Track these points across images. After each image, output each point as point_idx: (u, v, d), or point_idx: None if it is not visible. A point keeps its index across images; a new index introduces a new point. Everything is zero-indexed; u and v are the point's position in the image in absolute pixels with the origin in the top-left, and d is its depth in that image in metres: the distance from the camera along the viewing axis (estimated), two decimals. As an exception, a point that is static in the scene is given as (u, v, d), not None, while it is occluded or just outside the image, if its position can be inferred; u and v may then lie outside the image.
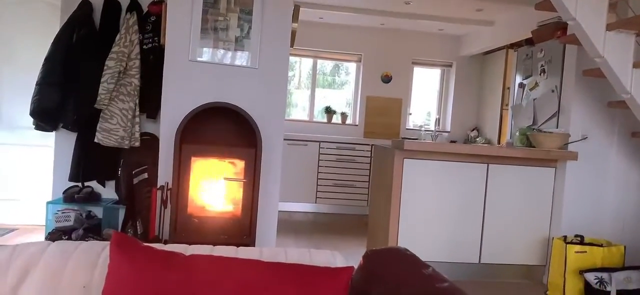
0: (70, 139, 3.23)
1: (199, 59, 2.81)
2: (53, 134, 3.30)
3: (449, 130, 6.28)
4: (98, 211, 3.21)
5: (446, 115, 6.38)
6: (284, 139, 3.14)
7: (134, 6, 3.13)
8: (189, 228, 2.60)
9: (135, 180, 3.12)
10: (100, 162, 3.21)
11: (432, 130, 5.89)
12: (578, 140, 3.35)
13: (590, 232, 3.27)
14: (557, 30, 3.61)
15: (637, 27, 2.71)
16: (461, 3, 4.80)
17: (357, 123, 6.13)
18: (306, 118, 6.20)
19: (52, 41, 3.09)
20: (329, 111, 6.10)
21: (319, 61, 6.26)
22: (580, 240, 3.14)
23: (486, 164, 3.38)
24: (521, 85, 4.17)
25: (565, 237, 3.20)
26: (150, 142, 3.17)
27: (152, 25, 3.14)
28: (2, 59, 3.86)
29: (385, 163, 3.46)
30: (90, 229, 3.08)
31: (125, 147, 3.07)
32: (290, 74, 6.18)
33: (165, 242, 2.60)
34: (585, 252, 3.05)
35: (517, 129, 3.87)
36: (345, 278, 1.04)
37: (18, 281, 1.08)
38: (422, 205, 3.31)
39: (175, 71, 2.80)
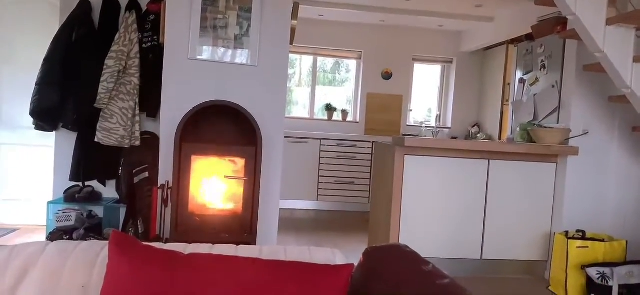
0: (70, 138, 3.23)
1: (198, 57, 2.80)
2: (53, 133, 3.30)
3: (449, 126, 6.27)
4: (99, 211, 3.22)
5: (447, 111, 6.37)
6: (285, 137, 3.14)
7: (133, 5, 3.13)
8: (190, 227, 2.61)
9: (136, 180, 3.13)
10: (101, 162, 3.21)
11: (433, 127, 5.88)
12: (579, 136, 3.34)
13: (591, 227, 3.26)
14: (557, 26, 3.59)
15: (637, 21, 2.70)
16: (461, -1, 4.79)
17: (357, 120, 6.12)
18: (307, 115, 6.19)
19: (51, 41, 3.09)
20: (329, 108, 6.09)
21: (319, 58, 6.24)
22: (582, 236, 3.13)
23: (487, 160, 3.37)
24: (521, 81, 4.16)
25: (566, 232, 3.20)
26: (151, 141, 3.17)
27: (151, 24, 3.13)
28: (2, 59, 3.86)
29: (386, 160, 3.46)
30: (92, 229, 3.08)
31: (126, 146, 3.07)
32: (290, 71, 6.17)
33: (167, 241, 2.60)
34: (587, 247, 3.04)
35: (518, 124, 3.86)
36: (345, 276, 1.04)
37: (16, 281, 1.08)
38: (423, 202, 3.30)
39: (175, 70, 2.80)
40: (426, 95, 6.50)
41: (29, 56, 3.59)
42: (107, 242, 1.07)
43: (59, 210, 3.10)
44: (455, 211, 3.35)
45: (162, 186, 2.68)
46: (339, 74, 6.47)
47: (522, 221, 3.43)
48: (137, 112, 3.10)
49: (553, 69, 3.65)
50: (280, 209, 3.06)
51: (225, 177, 2.71)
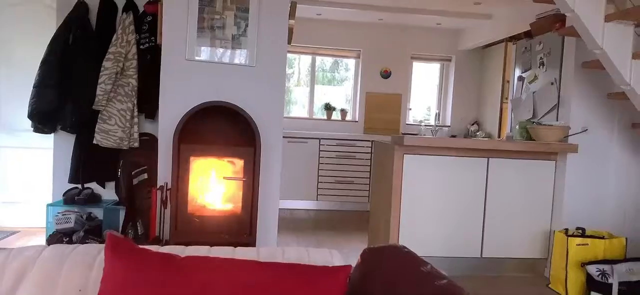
0: (69, 140, 3.22)
1: (196, 58, 2.80)
2: (52, 135, 3.30)
3: (449, 124, 6.27)
4: (98, 212, 3.21)
5: (446, 109, 6.37)
6: (284, 137, 3.13)
7: (130, 6, 3.12)
8: (189, 228, 2.60)
9: (135, 181, 3.12)
10: (100, 164, 3.20)
11: (432, 125, 5.88)
12: (578, 133, 3.34)
13: (591, 225, 3.26)
14: (555, 23, 3.59)
15: (635, 17, 2.69)
16: (459, -3, 4.78)
17: (357, 119, 6.11)
18: (306, 115, 6.19)
19: (48, 43, 3.08)
20: (328, 108, 6.08)
21: (318, 58, 6.24)
22: (582, 233, 3.13)
23: (486, 158, 3.37)
24: (520, 79, 4.15)
25: (566, 229, 3.20)
26: (149, 142, 3.17)
27: (148, 25, 3.13)
28: (0, 62, 3.85)
29: (385, 159, 3.45)
30: (91, 231, 3.08)
31: (124, 147, 3.06)
32: (289, 71, 6.16)
33: (166, 243, 2.60)
34: (587, 244, 3.04)
35: (517, 122, 3.86)
36: (343, 277, 1.04)
37: (13, 285, 1.07)
38: (423, 201, 3.30)
39: (173, 71, 2.79)
40: (425, 94, 6.49)
41: (27, 58, 3.58)
42: (104, 245, 1.07)
43: (59, 213, 3.10)
44: (455, 209, 3.35)
45: (161, 187, 2.68)
46: (338, 73, 6.47)
47: (522, 219, 3.42)
48: (136, 113, 3.09)
49: (552, 66, 3.65)
50: (280, 209, 3.05)
51: (224, 177, 2.71)
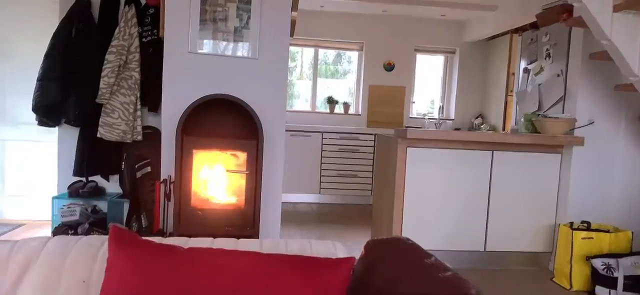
0: (73, 133, 3.23)
1: (198, 50, 2.79)
2: (56, 129, 3.31)
3: (453, 117, 6.23)
4: (103, 205, 3.23)
5: (450, 102, 6.33)
6: (287, 130, 3.12)
7: (133, -1, 3.11)
8: (193, 221, 2.61)
9: (139, 174, 3.13)
10: (104, 157, 3.21)
11: (435, 119, 5.85)
12: (584, 125, 3.31)
13: (597, 218, 3.24)
14: (562, 13, 3.54)
15: (644, 8, 2.65)
16: (464, -12, 4.73)
17: (360, 112, 6.09)
18: (309, 108, 6.17)
19: (51, 36, 3.08)
20: (331, 101, 6.06)
21: (321, 51, 6.21)
22: (587, 227, 3.11)
23: (491, 151, 3.35)
24: (526, 71, 4.11)
25: (571, 223, 3.18)
26: (153, 135, 3.17)
27: (151, 18, 3.12)
28: (3, 56, 3.86)
29: (388, 152, 3.44)
30: (96, 223, 3.10)
31: (128, 141, 3.07)
32: (291, 64, 6.14)
33: (171, 235, 2.61)
34: (592, 238, 3.02)
35: (522, 115, 3.83)
36: (347, 269, 1.03)
37: (18, 276, 1.08)
38: (426, 194, 3.29)
39: (175, 64, 2.78)
40: (429, 87, 6.46)
41: (30, 52, 3.58)
42: (108, 236, 1.07)
43: (64, 205, 3.11)
44: (458, 203, 3.34)
45: (165, 181, 2.68)
46: (341, 66, 6.44)
47: (526, 212, 3.40)
48: (139, 106, 3.10)
49: (558, 58, 3.61)
50: (283, 202, 3.05)
51: (227, 170, 2.71)
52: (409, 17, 5.93)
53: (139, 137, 3.10)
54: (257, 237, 2.62)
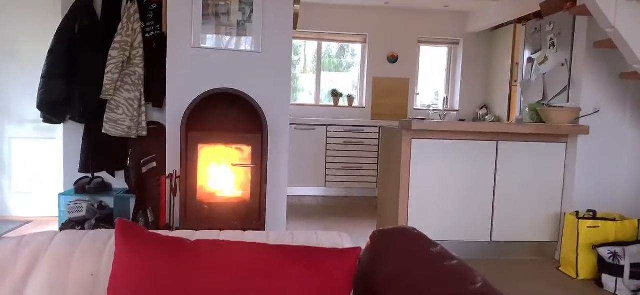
0: (78, 130, 3.25)
1: (202, 45, 2.79)
2: (61, 126, 3.32)
3: (457, 108, 6.21)
4: (109, 201, 3.25)
5: (454, 93, 6.30)
6: (291, 124, 3.13)
7: (135, -6, 3.11)
8: (199, 215, 2.62)
9: (144, 170, 3.15)
10: (109, 153, 3.23)
11: (440, 110, 5.83)
12: (590, 114, 3.29)
13: (602, 207, 3.22)
14: (566, 2, 3.50)
15: (650, -6, 2.63)
16: (467, -22, 4.69)
17: (364, 105, 6.08)
18: (313, 102, 6.17)
19: (54, 33, 3.09)
20: (335, 94, 6.05)
21: (324, 44, 6.19)
22: (593, 215, 3.10)
23: (496, 142, 3.33)
24: (530, 60, 4.09)
25: (577, 212, 3.17)
26: (158, 130, 3.18)
27: (153, 13, 3.12)
28: (8, 55, 3.88)
29: (393, 144, 3.43)
30: (103, 219, 3.12)
31: (133, 136, 3.08)
32: (295, 58, 6.13)
33: (177, 230, 2.62)
34: (598, 227, 3.01)
35: (527, 104, 3.81)
36: (353, 259, 1.03)
37: (27, 271, 1.09)
38: (431, 185, 3.28)
39: (179, 59, 2.79)
40: (433, 78, 6.43)
41: (33, 49, 3.60)
42: (114, 230, 1.08)
43: (70, 202, 3.14)
44: (463, 194, 3.33)
45: (170, 175, 2.69)
46: (344, 59, 6.42)
47: (532, 202, 3.40)
48: (143, 102, 3.10)
49: (562, 46, 3.58)
50: (288, 196, 3.06)
51: (232, 165, 2.71)
52: (412, 8, 5.90)
53: (144, 133, 3.11)
54: (263, 230, 2.63)
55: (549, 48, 3.77)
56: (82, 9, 3.11)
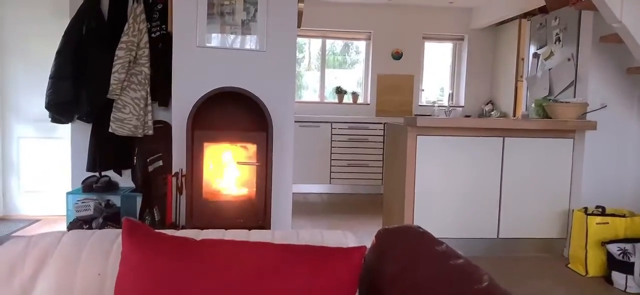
0: (85, 130, 3.28)
1: (207, 44, 2.80)
2: (69, 125, 3.35)
3: (462, 105, 6.18)
4: (116, 200, 3.27)
5: (459, 90, 6.27)
6: (296, 121, 3.13)
7: (140, -6, 3.12)
8: (205, 213, 2.63)
9: (151, 168, 3.17)
10: (116, 152, 3.26)
11: (445, 106, 5.80)
12: (597, 109, 3.26)
13: (611, 203, 3.20)
14: (573, -4, 3.48)
15: (658, -13, 2.60)
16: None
17: (368, 102, 6.07)
18: (317, 99, 6.17)
19: (62, 34, 3.12)
20: (340, 91, 6.05)
21: (328, 41, 6.19)
22: (602, 212, 3.08)
23: (502, 138, 3.32)
24: (536, 56, 4.05)
25: (585, 208, 3.15)
26: (164, 129, 3.20)
27: (159, 13, 3.14)
28: (17, 56, 3.92)
29: (398, 141, 3.43)
30: (110, 218, 3.14)
31: (139, 135, 3.10)
32: (299, 55, 6.13)
33: (183, 228, 2.64)
34: (607, 223, 2.99)
35: (533, 100, 3.78)
36: (358, 258, 1.03)
37: (35, 271, 1.10)
38: (437, 182, 3.27)
39: (184, 58, 2.80)
40: (438, 74, 6.40)
41: (42, 50, 3.63)
42: (121, 230, 1.09)
43: (78, 201, 3.16)
44: (470, 190, 3.32)
45: (176, 174, 2.71)
46: (349, 56, 6.41)
47: (539, 199, 3.38)
48: (149, 101, 3.12)
49: (568, 41, 3.55)
50: (294, 193, 3.07)
51: (238, 163, 2.72)
52: (416, 4, 5.87)
53: (150, 132, 3.13)
54: (269, 228, 2.64)
55: (555, 43, 3.74)
56: (90, 11, 3.13)
